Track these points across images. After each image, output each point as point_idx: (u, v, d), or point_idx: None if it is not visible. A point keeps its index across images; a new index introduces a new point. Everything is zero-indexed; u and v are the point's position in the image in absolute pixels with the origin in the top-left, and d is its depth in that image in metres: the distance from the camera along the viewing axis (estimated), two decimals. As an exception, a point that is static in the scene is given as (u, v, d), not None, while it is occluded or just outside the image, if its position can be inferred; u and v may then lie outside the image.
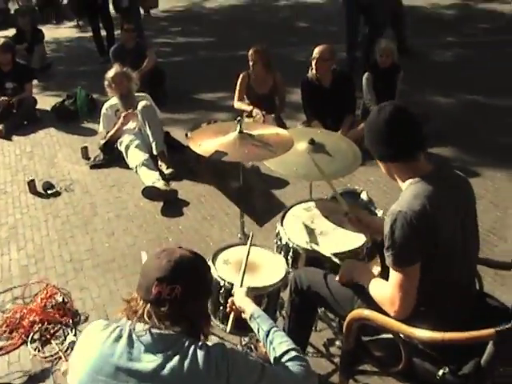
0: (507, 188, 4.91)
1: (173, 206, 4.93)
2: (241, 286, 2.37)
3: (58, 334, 3.49)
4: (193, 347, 1.70)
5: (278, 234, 2.96)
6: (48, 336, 3.46)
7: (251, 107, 5.86)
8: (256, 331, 2.07)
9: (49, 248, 4.43)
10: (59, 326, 3.54)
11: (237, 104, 6.07)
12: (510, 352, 1.99)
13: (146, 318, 1.73)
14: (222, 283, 2.59)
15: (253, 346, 3.00)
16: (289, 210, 3.12)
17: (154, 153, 5.55)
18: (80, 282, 3.98)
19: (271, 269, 2.72)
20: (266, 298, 2.58)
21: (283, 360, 1.88)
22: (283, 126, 5.35)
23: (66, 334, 3.47)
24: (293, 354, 1.89)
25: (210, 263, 2.66)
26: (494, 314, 2.36)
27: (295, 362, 1.87)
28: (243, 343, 3.01)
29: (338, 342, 3.14)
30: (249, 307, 2.16)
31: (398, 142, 2.21)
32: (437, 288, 2.19)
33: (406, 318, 2.13)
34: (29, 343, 3.41)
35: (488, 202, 4.65)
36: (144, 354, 1.69)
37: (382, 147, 2.25)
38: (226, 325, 2.39)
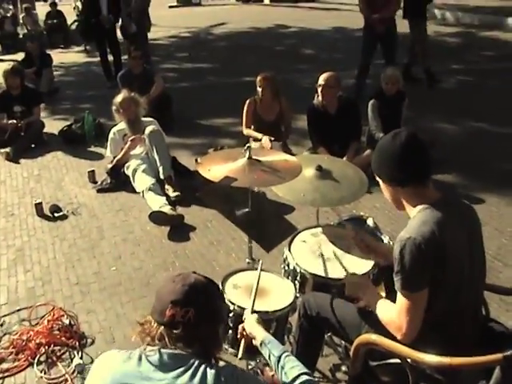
0: (512, 214, 4.93)
1: (179, 230, 4.95)
2: (251, 312, 2.40)
3: (64, 356, 3.47)
4: (203, 366, 1.73)
5: (285, 259, 2.98)
6: (54, 358, 3.45)
7: (261, 135, 5.88)
8: (267, 357, 2.09)
9: (56, 271, 4.43)
10: (65, 348, 3.53)
11: (246, 131, 6.10)
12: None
13: (157, 341, 1.76)
14: (231, 307, 2.60)
15: (259, 371, 3.00)
16: (296, 235, 3.15)
17: (161, 177, 5.59)
18: (87, 305, 3.98)
19: (280, 293, 2.73)
20: (274, 322, 2.59)
21: (295, 384, 1.90)
22: (289, 153, 5.36)
23: (73, 356, 3.46)
24: (304, 378, 1.91)
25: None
26: (501, 339, 2.37)
27: (306, 386, 1.89)
28: (249, 367, 3.01)
29: (344, 368, 3.14)
30: (259, 334, 2.20)
31: (412, 167, 2.25)
32: (444, 314, 2.21)
33: (414, 343, 2.14)
34: (35, 365, 3.40)
35: (493, 228, 4.67)
36: (154, 373, 1.72)
37: (394, 171, 2.28)
38: (236, 349, 2.42)
